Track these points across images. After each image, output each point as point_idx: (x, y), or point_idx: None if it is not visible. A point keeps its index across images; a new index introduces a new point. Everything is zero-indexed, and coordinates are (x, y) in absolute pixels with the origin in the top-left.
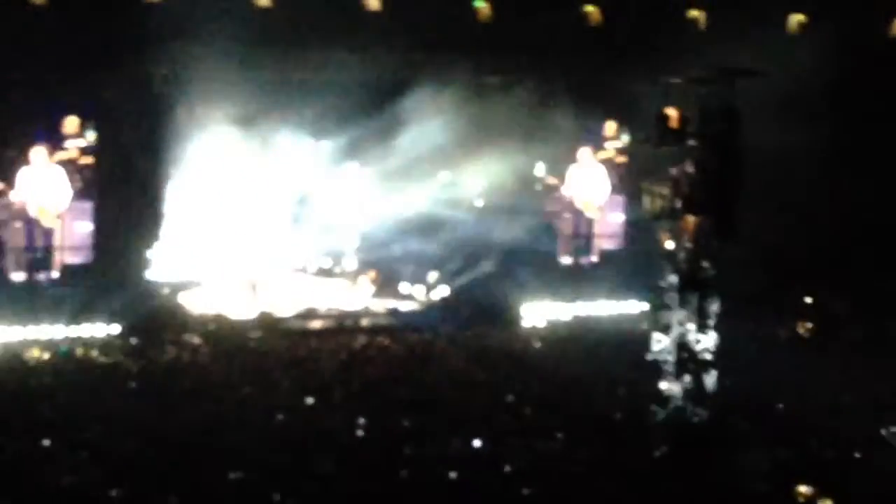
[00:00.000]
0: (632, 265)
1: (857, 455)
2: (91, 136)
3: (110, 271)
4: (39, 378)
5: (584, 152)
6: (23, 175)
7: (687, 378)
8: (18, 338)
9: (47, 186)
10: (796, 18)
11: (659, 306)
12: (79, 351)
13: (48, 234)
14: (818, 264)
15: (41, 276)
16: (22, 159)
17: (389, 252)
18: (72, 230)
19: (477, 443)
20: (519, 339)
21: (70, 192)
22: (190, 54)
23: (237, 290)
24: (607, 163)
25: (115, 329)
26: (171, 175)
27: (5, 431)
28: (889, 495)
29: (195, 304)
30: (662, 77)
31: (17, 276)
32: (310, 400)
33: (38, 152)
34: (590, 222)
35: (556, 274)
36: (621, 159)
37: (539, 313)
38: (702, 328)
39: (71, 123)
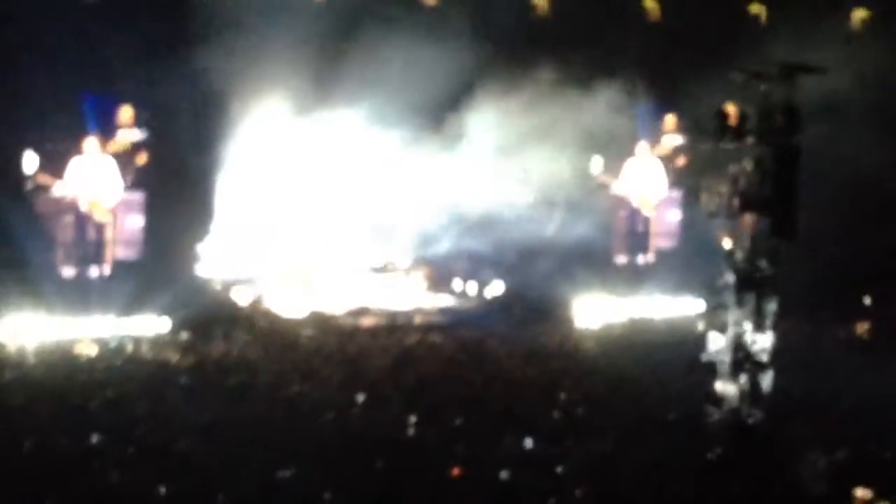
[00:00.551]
0: (688, 263)
1: None
2: (144, 130)
3: (161, 266)
4: (89, 373)
5: (642, 148)
6: (74, 167)
7: (743, 378)
8: (69, 332)
9: (99, 179)
10: (859, 15)
11: (716, 305)
12: (129, 346)
13: (99, 228)
14: (877, 266)
15: (92, 272)
16: (74, 151)
17: (443, 249)
18: (123, 224)
19: (529, 442)
20: (572, 338)
21: (121, 186)
22: (243, 48)
23: (289, 286)
24: (665, 159)
25: (166, 324)
26: (223, 169)
27: (56, 427)
28: None
29: (246, 300)
30: (722, 73)
31: (68, 272)
32: (361, 397)
33: (90, 144)
34: (646, 220)
35: (611, 272)
36: (679, 156)
37: (593, 312)
38: (759, 328)
39: (125, 113)
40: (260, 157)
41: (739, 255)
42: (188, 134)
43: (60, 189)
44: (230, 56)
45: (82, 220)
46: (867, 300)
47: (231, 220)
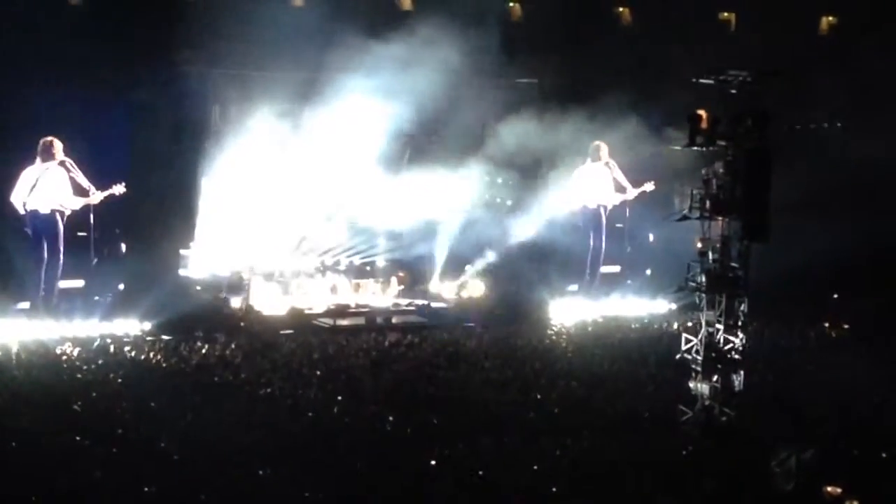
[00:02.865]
0: (661, 265)
1: (885, 455)
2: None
3: (144, 269)
4: (72, 374)
5: (595, 151)
6: (29, 173)
7: (715, 377)
8: (51, 334)
9: (60, 183)
10: (827, 21)
11: (688, 307)
12: (111, 348)
13: (78, 231)
14: (848, 265)
15: (73, 275)
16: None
17: (420, 250)
18: (104, 228)
19: (506, 440)
20: (548, 337)
21: (91, 189)
22: (224, 52)
23: (269, 287)
24: (638, 162)
25: (148, 326)
26: (205, 173)
27: (39, 427)
28: None
29: (227, 300)
30: (693, 77)
31: (49, 275)
32: (339, 397)
33: (54, 147)
34: (613, 221)
35: (584, 275)
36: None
37: (569, 312)
38: (730, 328)
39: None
40: (241, 160)
41: (711, 257)
42: (170, 137)
43: (16, 196)
44: (215, 58)
45: (62, 225)
46: (837, 299)
47: (214, 221)
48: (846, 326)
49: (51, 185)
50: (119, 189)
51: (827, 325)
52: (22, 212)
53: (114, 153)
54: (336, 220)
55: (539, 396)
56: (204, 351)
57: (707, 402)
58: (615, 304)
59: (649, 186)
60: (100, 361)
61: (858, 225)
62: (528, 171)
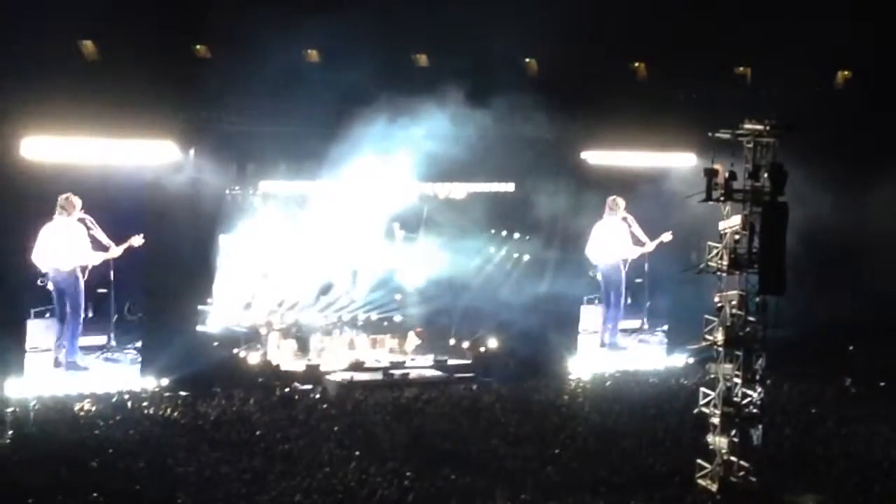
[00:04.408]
0: (679, 320)
1: None
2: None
3: (162, 324)
4: (89, 431)
5: (612, 206)
6: (46, 232)
7: (733, 432)
8: (69, 391)
9: (77, 242)
10: (843, 75)
11: (705, 360)
12: (129, 404)
13: (97, 287)
14: (867, 321)
15: (94, 333)
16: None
17: (438, 306)
18: (123, 284)
19: (523, 496)
20: (566, 392)
21: (111, 246)
22: (240, 109)
23: (287, 342)
24: (653, 216)
25: (165, 382)
26: (223, 229)
27: (58, 484)
28: None
29: (245, 356)
30: (710, 132)
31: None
32: (357, 452)
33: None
34: (630, 275)
35: (603, 328)
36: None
37: (586, 367)
38: (748, 383)
39: None
40: (260, 216)
41: (728, 311)
42: (189, 193)
43: (37, 254)
44: (232, 114)
45: (82, 282)
46: (853, 353)
47: (233, 278)
48: (875, 382)
49: (70, 242)
50: (137, 240)
51: (849, 380)
52: (43, 269)
53: (131, 210)
54: (354, 276)
55: (557, 452)
56: (221, 407)
57: (725, 457)
58: (633, 359)
59: (667, 237)
60: (118, 417)
61: (880, 282)
62: (547, 228)
